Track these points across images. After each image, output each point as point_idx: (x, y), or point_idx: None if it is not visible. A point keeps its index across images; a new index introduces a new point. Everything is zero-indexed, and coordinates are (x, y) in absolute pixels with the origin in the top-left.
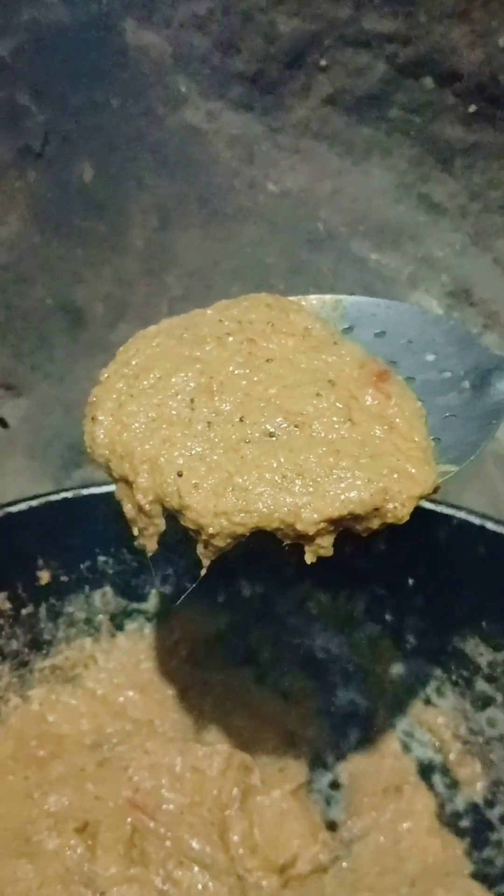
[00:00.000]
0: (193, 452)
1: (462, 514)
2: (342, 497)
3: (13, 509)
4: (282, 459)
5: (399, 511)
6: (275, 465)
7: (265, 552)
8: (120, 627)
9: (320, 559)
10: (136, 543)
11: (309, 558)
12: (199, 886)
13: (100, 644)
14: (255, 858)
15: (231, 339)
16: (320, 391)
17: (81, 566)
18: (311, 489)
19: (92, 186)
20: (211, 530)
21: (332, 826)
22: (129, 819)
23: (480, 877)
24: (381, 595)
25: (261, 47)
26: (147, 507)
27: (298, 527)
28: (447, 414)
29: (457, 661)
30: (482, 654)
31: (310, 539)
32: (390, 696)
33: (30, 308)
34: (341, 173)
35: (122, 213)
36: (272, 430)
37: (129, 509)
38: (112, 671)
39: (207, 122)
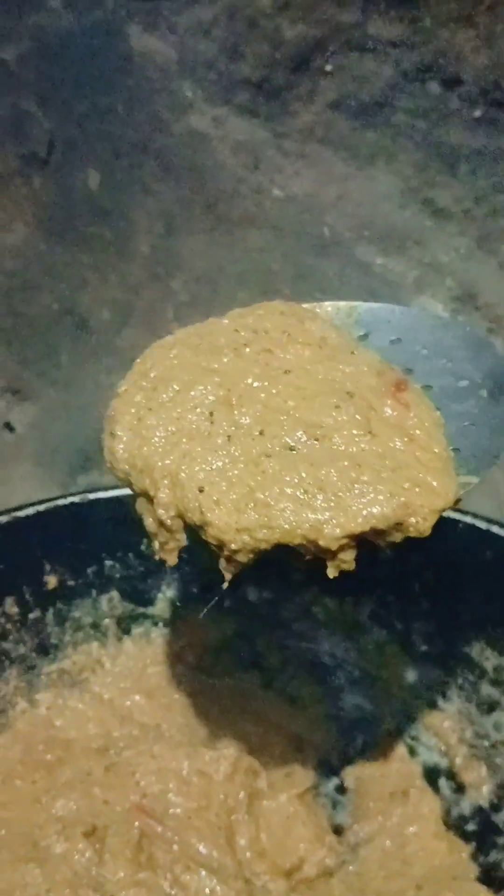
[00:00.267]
0: (214, 467)
1: (468, 519)
2: (364, 512)
3: (21, 514)
4: (303, 474)
5: (421, 525)
6: (296, 479)
7: (272, 558)
8: (127, 632)
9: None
10: (156, 557)
11: (331, 573)
12: (207, 890)
13: (107, 648)
14: (263, 862)
15: (248, 349)
16: (339, 403)
17: (88, 571)
18: (332, 504)
19: (97, 193)
20: (233, 546)
21: (338, 830)
22: (136, 823)
23: (487, 880)
24: (388, 600)
25: (266, 53)
26: (168, 522)
27: (321, 543)
28: (465, 423)
29: (463, 666)
30: (488, 659)
31: (332, 554)
32: (397, 701)
33: (36, 314)
34: (347, 178)
35: (128, 219)
36: (292, 443)
37: (150, 523)
38: (119, 675)
39: (213, 127)
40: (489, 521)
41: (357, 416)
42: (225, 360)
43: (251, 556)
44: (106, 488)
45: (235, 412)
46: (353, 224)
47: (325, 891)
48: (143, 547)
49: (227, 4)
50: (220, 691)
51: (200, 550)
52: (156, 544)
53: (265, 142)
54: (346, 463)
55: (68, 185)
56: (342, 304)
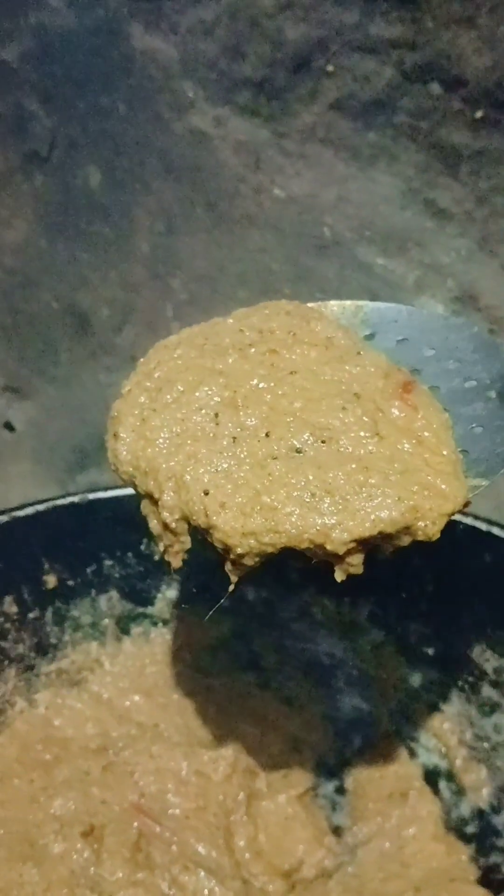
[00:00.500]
0: (219, 469)
1: (468, 520)
2: (372, 517)
3: (20, 513)
4: (310, 477)
5: (430, 529)
6: (303, 482)
7: (277, 560)
8: (126, 631)
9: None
10: (164, 559)
11: (339, 577)
12: (205, 891)
13: (105, 648)
14: (261, 863)
15: (253, 350)
16: (346, 405)
17: (87, 570)
18: (340, 508)
19: (98, 191)
20: (239, 550)
21: (337, 831)
22: (134, 823)
23: (486, 883)
24: (387, 601)
25: (267, 53)
26: (173, 525)
27: (329, 547)
28: (473, 425)
29: (462, 667)
30: (488, 660)
31: (339, 558)
32: (395, 702)
33: (36, 312)
34: (347, 179)
35: (129, 217)
36: (299, 445)
37: (154, 525)
38: (118, 675)
39: (214, 127)
40: (489, 522)
41: (364, 418)
42: (230, 360)
43: (257, 559)
44: (105, 488)
45: (241, 413)
46: (353, 224)
47: (323, 892)
48: (142, 547)
49: (229, 4)
50: (218, 691)
51: (205, 551)
52: (160, 547)
53: (266, 142)
54: (353, 466)
55: (69, 183)
56: (348, 303)
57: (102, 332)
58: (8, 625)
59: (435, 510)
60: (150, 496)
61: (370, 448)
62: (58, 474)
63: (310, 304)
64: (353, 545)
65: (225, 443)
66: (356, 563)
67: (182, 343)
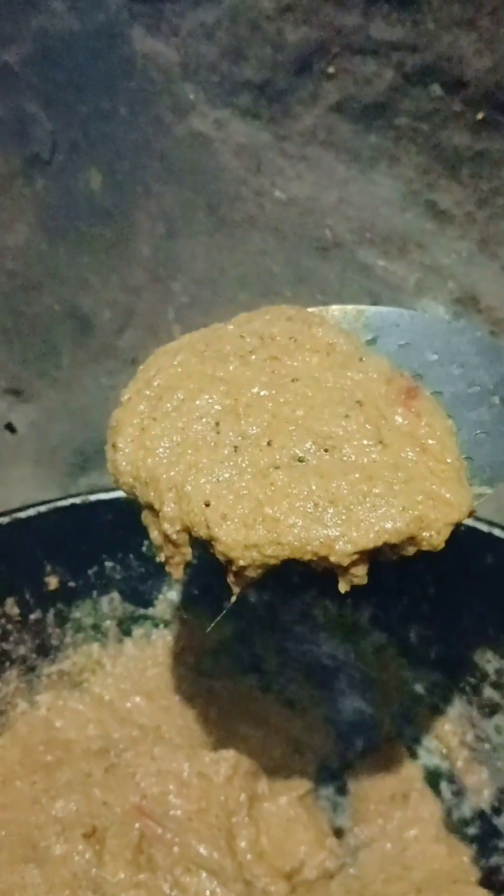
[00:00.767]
0: (221, 479)
1: (469, 522)
2: (377, 527)
3: (21, 515)
4: (313, 486)
5: (435, 539)
6: (306, 492)
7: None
8: (127, 633)
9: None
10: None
11: (343, 588)
12: (207, 892)
13: (107, 650)
14: (263, 865)
15: (254, 357)
16: (349, 412)
17: (89, 572)
18: (344, 519)
19: (99, 194)
20: (242, 563)
21: (338, 833)
22: (136, 825)
23: (487, 884)
24: (388, 603)
25: (268, 55)
26: (174, 536)
27: (332, 559)
28: (478, 431)
29: (463, 669)
30: (489, 662)
31: (343, 570)
32: (397, 704)
33: (37, 315)
34: (348, 181)
35: (130, 220)
36: (301, 454)
37: (155, 536)
38: (119, 677)
39: (215, 130)
40: (491, 524)
41: (367, 426)
42: (231, 367)
43: (259, 571)
44: (106, 489)
45: (242, 422)
46: (354, 227)
47: (324, 894)
48: (143, 548)
49: (230, 7)
50: (220, 694)
51: (206, 553)
52: (161, 557)
53: (267, 144)
54: (357, 475)
55: (70, 186)
56: (349, 307)
57: (104, 335)
58: (10, 626)
59: (440, 520)
60: (150, 507)
61: (374, 456)
62: (59, 477)
63: (311, 309)
64: (356, 557)
65: (226, 451)
66: (360, 573)
67: (182, 349)
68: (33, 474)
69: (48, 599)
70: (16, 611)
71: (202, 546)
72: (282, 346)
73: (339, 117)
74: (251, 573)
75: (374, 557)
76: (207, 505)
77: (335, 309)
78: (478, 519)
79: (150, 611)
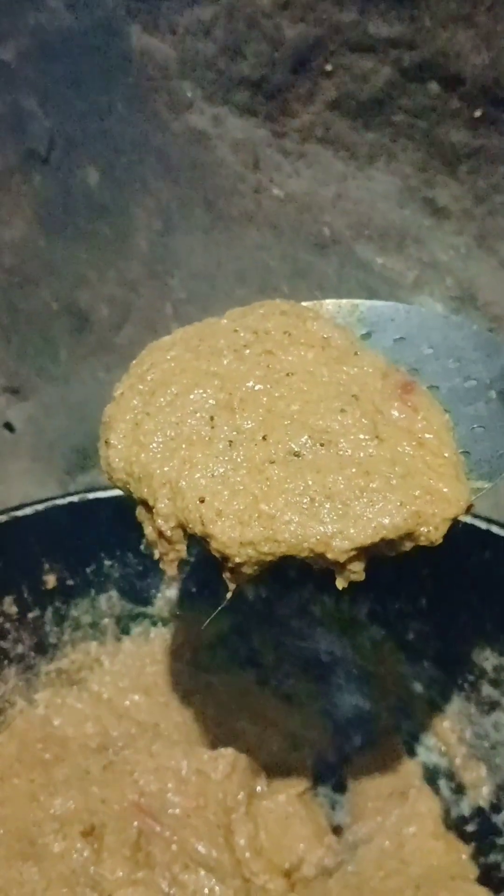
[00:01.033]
0: (216, 474)
1: (467, 519)
2: (374, 523)
3: (19, 513)
4: (309, 481)
5: (433, 534)
6: (302, 487)
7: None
8: (125, 631)
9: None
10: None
11: (340, 584)
12: (206, 889)
13: (105, 647)
14: (261, 861)
15: (248, 351)
16: (345, 406)
17: (87, 570)
18: (340, 514)
19: (97, 190)
20: (237, 560)
21: (337, 830)
22: (134, 822)
23: (486, 881)
24: (386, 598)
25: (266, 52)
26: (169, 533)
27: (329, 556)
28: (475, 426)
29: (462, 665)
30: (487, 659)
31: (341, 566)
32: (395, 700)
33: (34, 311)
34: (346, 177)
35: (127, 216)
36: (297, 449)
37: (149, 532)
38: (117, 674)
39: (212, 126)
40: (489, 520)
41: (363, 420)
42: (225, 362)
43: (256, 568)
44: (104, 487)
45: (237, 416)
46: (352, 223)
47: (323, 890)
48: (141, 546)
49: (227, 4)
50: (218, 690)
51: (203, 549)
52: (156, 553)
53: (264, 141)
54: (353, 470)
55: (68, 182)
56: (344, 301)
57: (101, 331)
58: (8, 624)
59: (438, 515)
60: (144, 503)
61: (370, 451)
62: (57, 473)
63: (305, 304)
64: (354, 553)
65: (221, 446)
66: (357, 570)
67: (176, 344)
68: (31, 471)
69: (46, 597)
70: (14, 609)
71: (199, 543)
72: (276, 341)
73: (336, 114)
74: (247, 570)
75: (372, 553)
76: (202, 501)
77: (329, 303)
78: (476, 516)
79: (149, 609)
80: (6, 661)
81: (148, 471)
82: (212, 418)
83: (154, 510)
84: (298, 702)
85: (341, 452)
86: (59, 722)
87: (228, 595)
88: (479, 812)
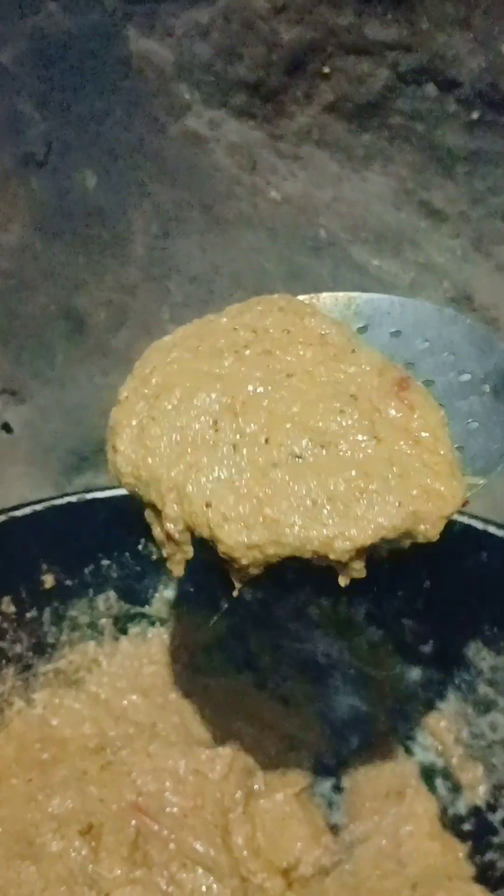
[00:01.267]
0: (221, 478)
1: (464, 519)
2: (374, 524)
3: (17, 513)
4: (311, 484)
5: (430, 532)
6: (304, 490)
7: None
8: (123, 631)
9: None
10: (161, 561)
11: (343, 582)
12: (203, 888)
13: (103, 648)
14: (258, 861)
15: (248, 351)
16: (343, 407)
17: (85, 570)
18: (342, 516)
19: (94, 194)
20: (244, 562)
21: (334, 829)
22: (132, 822)
23: (482, 880)
24: (382, 600)
25: (262, 55)
26: (177, 535)
27: (332, 556)
28: (469, 420)
29: (459, 665)
30: (484, 658)
31: (343, 565)
32: (391, 701)
33: (32, 314)
34: (342, 180)
35: (124, 220)
36: (298, 451)
37: (157, 533)
38: (115, 675)
39: (209, 129)
40: (486, 521)
41: (362, 421)
42: (226, 363)
43: (262, 568)
44: (102, 488)
45: (240, 420)
46: (348, 225)
47: (320, 889)
48: (139, 547)
49: (224, 7)
50: (215, 691)
51: (202, 552)
52: (164, 552)
53: (261, 143)
54: (353, 471)
55: (65, 186)
56: (340, 295)
57: (98, 334)
58: (6, 625)
59: (435, 513)
60: (152, 506)
61: (369, 451)
62: (54, 476)
63: (301, 297)
64: (355, 553)
65: (225, 450)
66: (359, 567)
67: (177, 344)
68: (28, 473)
69: (44, 598)
70: (12, 609)
71: (206, 545)
72: (275, 340)
73: (333, 117)
74: (253, 570)
75: (371, 551)
76: (208, 506)
77: (326, 297)
78: (473, 516)
79: (146, 609)
80: (4, 662)
81: (155, 475)
82: (215, 422)
83: (163, 514)
84: (296, 703)
85: (341, 454)
86: (57, 722)
87: (235, 593)
88: (475, 811)
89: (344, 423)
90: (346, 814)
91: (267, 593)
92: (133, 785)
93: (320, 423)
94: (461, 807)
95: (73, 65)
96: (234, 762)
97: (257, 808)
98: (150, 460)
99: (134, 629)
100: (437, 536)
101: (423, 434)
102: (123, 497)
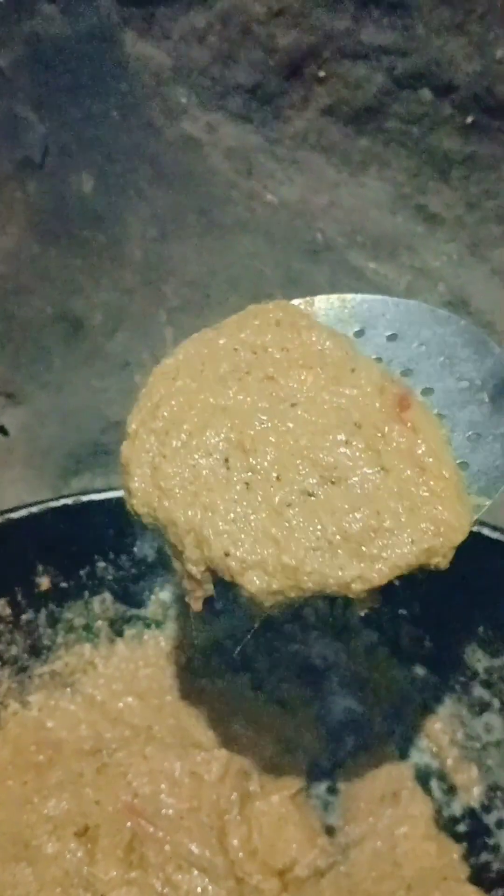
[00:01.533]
0: (237, 520)
1: None
2: (389, 565)
3: (13, 515)
4: (326, 525)
5: (441, 563)
6: (319, 533)
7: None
8: (119, 633)
9: None
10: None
11: (360, 611)
12: (199, 889)
13: (99, 650)
14: (254, 862)
15: (251, 377)
16: (349, 438)
17: (81, 572)
18: (357, 558)
19: (91, 197)
20: (267, 605)
21: (329, 831)
22: (128, 824)
23: (477, 881)
24: (378, 603)
25: (259, 59)
26: (199, 576)
27: (349, 595)
28: (470, 432)
29: (454, 667)
30: (479, 660)
31: (360, 599)
32: (387, 703)
33: (29, 318)
34: (339, 184)
35: (121, 223)
36: (310, 490)
37: (178, 567)
38: (111, 677)
39: (206, 133)
40: (480, 523)
41: (368, 452)
42: (230, 393)
43: (282, 606)
44: (98, 490)
45: (251, 459)
46: (345, 230)
47: (315, 891)
48: (135, 549)
49: (221, 11)
50: (211, 693)
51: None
52: (184, 587)
53: (258, 148)
54: (365, 510)
55: (62, 189)
56: (333, 297)
57: (95, 338)
58: (1, 627)
59: (446, 545)
60: (172, 546)
61: (377, 483)
62: (51, 479)
63: (296, 301)
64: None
65: (238, 488)
66: (374, 598)
67: (181, 370)
68: (24, 477)
69: (40, 600)
70: (7, 611)
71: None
72: (275, 361)
73: (329, 121)
74: (275, 610)
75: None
76: (227, 555)
77: (320, 299)
78: None
79: (142, 611)
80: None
81: (171, 518)
82: (227, 460)
83: (183, 556)
84: (292, 706)
85: (351, 489)
86: (53, 724)
87: (255, 625)
88: (470, 813)
89: (351, 455)
90: (341, 815)
91: None
92: (129, 787)
93: (329, 458)
94: (456, 808)
95: (70, 68)
96: (230, 764)
97: (253, 810)
98: (165, 503)
99: (130, 631)
100: (448, 565)
101: (429, 460)
102: (119, 500)
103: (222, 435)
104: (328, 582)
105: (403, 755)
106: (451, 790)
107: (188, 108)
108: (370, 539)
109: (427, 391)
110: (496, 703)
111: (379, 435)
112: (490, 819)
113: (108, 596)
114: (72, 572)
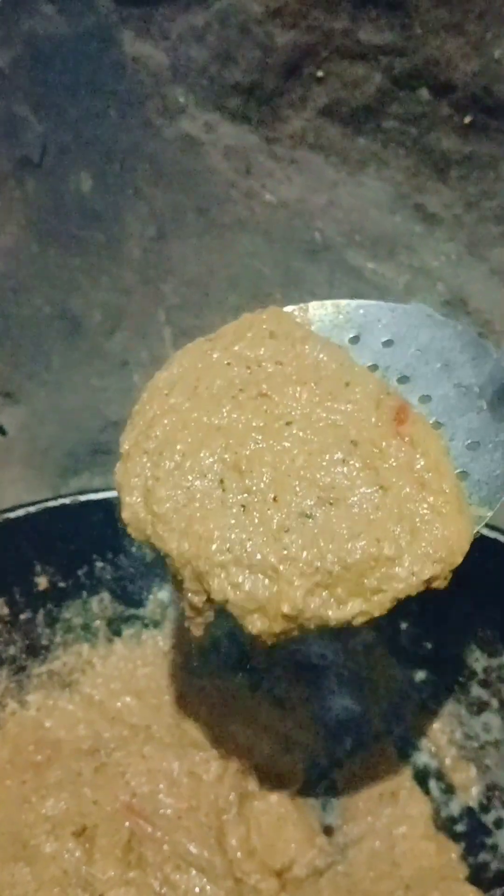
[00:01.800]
0: (234, 550)
1: None
2: (390, 596)
3: (11, 515)
4: (325, 553)
5: (442, 584)
6: (318, 563)
7: None
8: (117, 633)
9: None
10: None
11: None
12: (197, 889)
13: (97, 650)
14: (253, 862)
15: (244, 395)
16: (346, 456)
17: (79, 572)
18: (358, 589)
19: (90, 196)
20: (270, 643)
21: (328, 831)
22: (126, 823)
23: (475, 881)
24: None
25: (258, 59)
26: (200, 605)
27: (351, 626)
28: (469, 440)
29: (452, 667)
30: (477, 660)
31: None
32: (385, 702)
33: (27, 316)
34: (337, 184)
35: (120, 222)
36: (308, 511)
37: (179, 594)
38: (109, 677)
39: (204, 132)
40: None
41: (365, 471)
42: (224, 411)
43: (286, 640)
44: (96, 490)
45: (247, 480)
46: (343, 229)
47: (314, 891)
48: (133, 549)
49: (220, 11)
50: (210, 692)
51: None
52: (185, 612)
53: (256, 147)
54: (365, 537)
55: (61, 188)
56: (328, 303)
57: (94, 337)
58: None
59: (446, 567)
60: (173, 576)
61: (376, 502)
62: (50, 479)
63: (289, 308)
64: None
65: (235, 511)
66: (374, 621)
67: (174, 386)
68: (23, 476)
69: (38, 600)
70: (6, 611)
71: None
72: (269, 376)
73: (328, 120)
74: (277, 643)
75: None
76: (228, 601)
77: (314, 306)
78: None
79: (141, 611)
80: None
81: (167, 549)
82: (222, 481)
83: (184, 587)
84: (290, 705)
85: (350, 510)
86: (51, 724)
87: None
88: (468, 812)
89: (349, 475)
90: (340, 815)
91: None
92: (127, 786)
93: (327, 478)
94: (454, 808)
95: (69, 68)
96: (228, 764)
97: (251, 810)
98: (160, 529)
99: (128, 631)
100: (447, 585)
101: (428, 475)
102: (117, 499)
103: (216, 455)
104: (330, 623)
105: (402, 755)
106: (449, 790)
107: (186, 108)
108: (370, 569)
109: (424, 398)
110: (495, 702)
111: (376, 451)
112: (488, 818)
113: (106, 595)
114: (70, 572)
